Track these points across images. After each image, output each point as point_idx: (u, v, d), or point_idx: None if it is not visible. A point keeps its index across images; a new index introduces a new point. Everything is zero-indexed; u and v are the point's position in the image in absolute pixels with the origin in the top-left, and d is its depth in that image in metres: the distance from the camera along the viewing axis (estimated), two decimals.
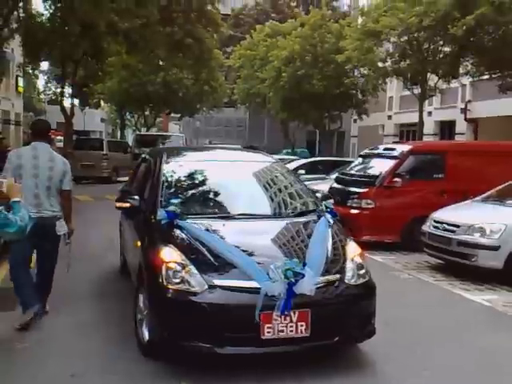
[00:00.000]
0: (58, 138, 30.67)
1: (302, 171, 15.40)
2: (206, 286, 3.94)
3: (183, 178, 5.48)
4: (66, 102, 28.29)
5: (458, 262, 7.58)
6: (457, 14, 15.59)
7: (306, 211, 5.18)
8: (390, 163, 9.73)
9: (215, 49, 29.44)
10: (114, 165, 22.16)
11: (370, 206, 9.35)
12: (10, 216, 2.69)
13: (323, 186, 10.89)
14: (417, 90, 19.84)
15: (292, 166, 16.58)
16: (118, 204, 5.43)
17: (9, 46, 21.15)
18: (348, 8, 40.29)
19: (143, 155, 7.17)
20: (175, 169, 5.51)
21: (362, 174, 10.38)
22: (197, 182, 5.51)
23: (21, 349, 4.49)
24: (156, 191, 5.05)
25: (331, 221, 4.89)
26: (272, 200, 5.46)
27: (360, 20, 21.01)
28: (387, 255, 8.93)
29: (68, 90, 28.53)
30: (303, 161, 17.76)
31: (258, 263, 4.07)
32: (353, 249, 4.59)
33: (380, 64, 19.59)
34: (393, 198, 9.38)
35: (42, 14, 21.92)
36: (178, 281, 4.01)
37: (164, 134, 26.34)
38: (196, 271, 4.03)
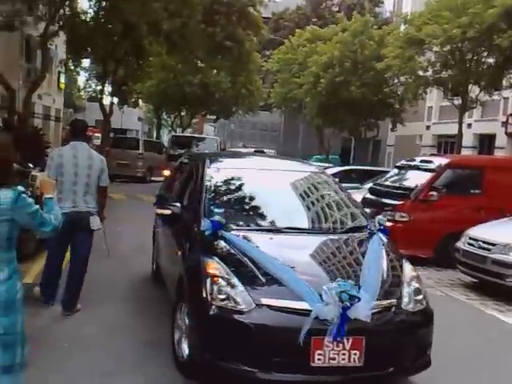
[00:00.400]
0: (96, 135, 31.24)
1: (336, 179, 15.12)
2: (254, 305, 3.66)
3: (226, 187, 5.25)
4: (106, 100, 28.89)
5: (493, 282, 7.36)
6: (503, 25, 15.19)
7: (356, 227, 4.88)
8: (427, 176, 9.53)
9: (254, 52, 29.53)
10: (148, 165, 22.39)
11: (404, 219, 9.16)
12: (45, 215, 2.70)
13: (356, 195, 10.73)
14: (457, 101, 19.43)
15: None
16: (159, 211, 5.29)
17: (53, 43, 21.64)
18: (390, 14, 39.84)
19: (182, 159, 6.99)
20: (218, 176, 5.26)
21: (397, 185, 10.19)
22: (241, 191, 5.25)
23: (55, 345, 4.56)
24: (199, 199, 4.81)
25: (384, 239, 4.59)
26: (320, 214, 5.17)
27: (402, 27, 20.72)
28: (419, 270, 8.67)
29: (108, 88, 29.16)
30: (337, 169, 17.49)
31: (309, 282, 3.77)
32: (409, 271, 4.28)
33: (421, 73, 19.27)
34: (428, 212, 9.18)
35: (87, 12, 22.46)
36: (223, 297, 3.75)
37: (199, 136, 26.54)
38: (243, 288, 3.77)
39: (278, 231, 4.54)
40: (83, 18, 21.79)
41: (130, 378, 4.12)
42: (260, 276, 3.87)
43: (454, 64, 18.05)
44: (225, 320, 3.69)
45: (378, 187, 10.56)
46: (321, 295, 3.63)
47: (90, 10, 22.44)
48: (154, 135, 40.66)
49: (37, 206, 2.69)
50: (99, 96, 28.30)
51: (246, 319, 3.63)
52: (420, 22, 18.16)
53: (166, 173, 17.05)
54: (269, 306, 3.66)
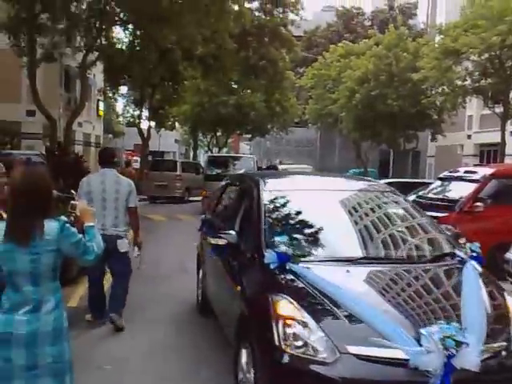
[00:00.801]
0: (135, 158, 31.83)
1: None
2: (338, 354, 3.03)
3: (287, 211, 4.63)
4: (143, 124, 29.51)
5: None
6: None
7: (442, 255, 4.19)
8: (471, 187, 9.24)
9: (288, 70, 29.66)
10: (186, 185, 22.65)
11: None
12: (87, 244, 2.72)
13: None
14: (499, 109, 18.92)
15: None
16: (212, 241, 4.52)
17: (91, 72, 22.29)
18: (423, 26, 39.40)
19: (227, 180, 6.48)
20: (276, 199, 4.63)
21: (440, 197, 9.92)
22: (304, 215, 4.51)
23: (98, 367, 4.57)
24: (257, 227, 4.19)
25: (479, 269, 3.94)
26: (399, 239, 4.43)
27: (437, 39, 20.43)
28: None
29: (145, 113, 29.82)
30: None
31: (401, 325, 3.15)
32: None
33: (459, 82, 18.91)
34: (474, 224, 8.84)
35: (123, 41, 23.11)
36: (299, 344, 3.12)
37: (235, 155, 26.68)
38: (322, 333, 3.12)
39: (354, 262, 3.87)
40: (119, 46, 22.43)
41: None
42: (341, 318, 3.23)
43: (494, 72, 17.63)
44: (302, 371, 3.06)
45: (421, 200, 10.29)
46: (418, 340, 3.02)
47: (126, 39, 23.07)
48: (191, 156, 41.15)
49: (80, 235, 2.70)
50: (137, 121, 28.96)
51: (330, 371, 2.99)
52: (455, 32, 17.87)
53: (203, 193, 17.28)
54: (356, 356, 3.02)
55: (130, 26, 20.95)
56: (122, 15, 18.63)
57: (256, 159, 21.49)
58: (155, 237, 11.39)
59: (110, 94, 34.70)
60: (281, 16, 26.65)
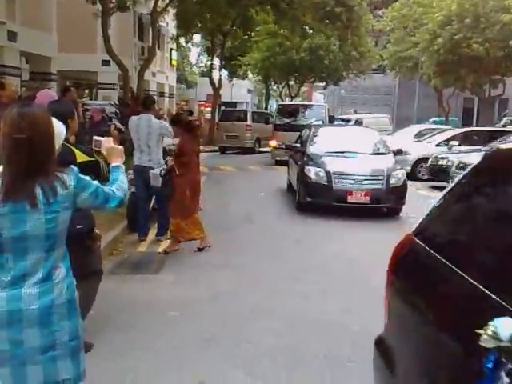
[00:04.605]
0: (207, 109, 31.84)
1: (455, 142, 14.10)
2: None
3: None
4: (215, 74, 29.25)
5: None
6: None
7: None
8: None
9: (366, 13, 28.12)
10: (256, 136, 22.39)
11: None
12: (106, 190, 2.37)
13: (477, 158, 9.73)
14: None
15: (444, 136, 15.32)
16: None
17: (164, 21, 22.17)
18: None
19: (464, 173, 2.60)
20: None
21: None
22: None
23: (164, 312, 4.63)
24: None
25: None
26: None
27: None
28: None
29: (217, 62, 29.51)
30: (457, 130, 16.26)
31: None
32: None
33: None
34: None
35: None
36: None
37: (306, 103, 25.87)
38: None
39: None
40: None
41: (236, 344, 4.06)
42: None
43: None
44: None
45: None
46: None
47: None
48: (264, 106, 40.76)
49: (96, 183, 2.35)
50: (209, 70, 28.78)
51: None
52: None
53: (273, 143, 16.96)
54: None
55: None
56: None
57: (328, 108, 20.73)
58: (224, 188, 11.53)
59: (183, 43, 34.63)
60: None
